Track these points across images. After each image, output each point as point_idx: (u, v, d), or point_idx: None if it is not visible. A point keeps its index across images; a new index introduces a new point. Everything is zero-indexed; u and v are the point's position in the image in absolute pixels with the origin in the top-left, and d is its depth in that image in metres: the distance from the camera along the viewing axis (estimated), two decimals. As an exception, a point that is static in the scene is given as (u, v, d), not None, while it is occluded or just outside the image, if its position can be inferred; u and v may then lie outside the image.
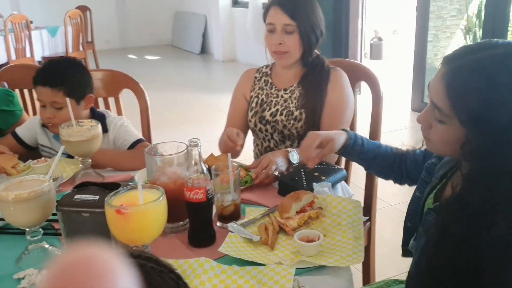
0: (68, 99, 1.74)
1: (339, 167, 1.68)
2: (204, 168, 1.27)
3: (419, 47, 5.22)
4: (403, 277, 1.48)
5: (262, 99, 1.97)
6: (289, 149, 1.71)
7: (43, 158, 1.84)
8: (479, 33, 8.18)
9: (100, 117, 1.91)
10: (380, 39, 9.06)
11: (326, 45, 6.19)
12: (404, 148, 1.52)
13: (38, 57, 6.69)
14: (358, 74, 2.04)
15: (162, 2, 10.28)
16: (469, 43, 8.26)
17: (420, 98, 5.39)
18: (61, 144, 1.88)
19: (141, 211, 1.09)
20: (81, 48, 7.24)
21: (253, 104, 1.98)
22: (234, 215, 1.38)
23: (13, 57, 6.23)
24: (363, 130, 1.92)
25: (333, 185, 1.58)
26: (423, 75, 5.28)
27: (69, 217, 1.21)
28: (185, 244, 1.30)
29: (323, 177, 1.57)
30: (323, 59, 1.92)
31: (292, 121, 1.88)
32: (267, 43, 1.89)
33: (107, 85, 2.24)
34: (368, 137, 2.09)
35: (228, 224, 1.32)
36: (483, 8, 8.14)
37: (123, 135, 1.91)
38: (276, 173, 1.60)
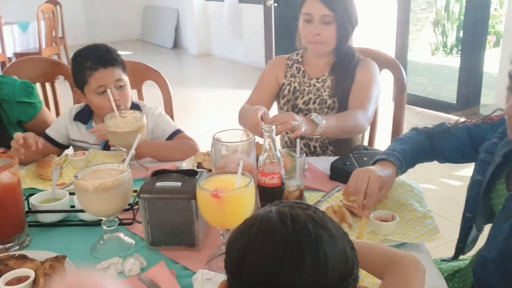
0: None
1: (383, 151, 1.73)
2: (278, 154, 1.29)
3: (400, 41, 5.32)
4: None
5: (295, 87, 1.99)
6: (311, 114, 1.69)
7: (80, 151, 1.82)
8: (447, 26, 8.45)
9: (135, 107, 1.89)
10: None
11: (287, 42, 6.28)
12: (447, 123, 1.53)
13: (9, 53, 6.49)
14: (381, 62, 2.09)
15: (129, -4, 10.12)
16: (438, 35, 8.53)
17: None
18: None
19: (236, 194, 1.10)
20: (53, 44, 7.06)
21: (285, 92, 2.01)
22: (298, 200, 1.41)
23: (-17, 52, 6.03)
24: (385, 117, 1.94)
25: (381, 168, 1.62)
26: (405, 69, 5.34)
27: (151, 204, 1.21)
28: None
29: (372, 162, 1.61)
30: (353, 48, 1.96)
31: (325, 110, 1.92)
32: (302, 33, 1.91)
33: (130, 77, 2.21)
34: (391, 125, 2.17)
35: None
36: (451, 1, 8.44)
37: (161, 124, 1.90)
38: (294, 123, 1.54)
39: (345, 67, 1.93)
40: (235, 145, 1.37)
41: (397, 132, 2.17)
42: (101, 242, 1.27)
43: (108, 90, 1.74)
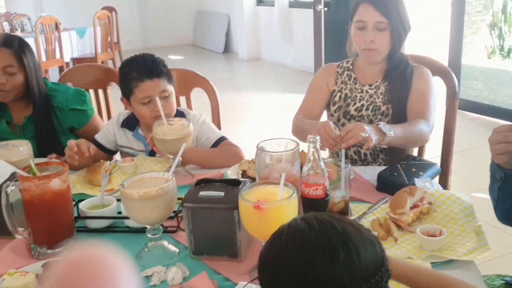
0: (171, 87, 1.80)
1: (432, 161, 1.68)
2: (322, 164, 1.28)
3: (454, 44, 5.17)
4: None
5: (346, 94, 1.97)
6: (379, 123, 1.65)
7: (129, 157, 1.86)
8: (504, 28, 8.14)
9: (180, 115, 1.92)
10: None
11: (337, 47, 6.21)
12: None
13: (67, 58, 6.74)
14: (432, 69, 2.03)
15: (183, 2, 10.30)
16: (494, 38, 8.23)
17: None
18: (144, 142, 1.91)
19: (278, 206, 1.10)
20: (109, 49, 7.28)
21: (336, 99, 1.98)
22: (343, 211, 1.39)
23: (43, 58, 6.28)
24: (435, 126, 1.89)
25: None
26: (458, 73, 5.18)
27: (195, 213, 1.22)
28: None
29: (420, 173, 1.57)
30: (406, 56, 1.92)
31: (379, 116, 1.89)
32: (355, 41, 1.88)
33: (179, 84, 2.25)
34: (442, 133, 2.10)
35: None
36: (508, 3, 8.13)
37: (206, 132, 1.92)
38: (364, 135, 1.53)
39: (400, 74, 1.89)
40: (279, 154, 1.37)
41: (448, 141, 2.10)
42: (146, 250, 1.29)
43: (157, 98, 1.77)
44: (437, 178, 1.80)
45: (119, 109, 2.46)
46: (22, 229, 1.33)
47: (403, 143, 1.79)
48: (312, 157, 1.27)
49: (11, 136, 1.96)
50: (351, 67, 2.01)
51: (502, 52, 8.13)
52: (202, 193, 1.23)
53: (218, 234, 1.23)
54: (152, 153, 1.91)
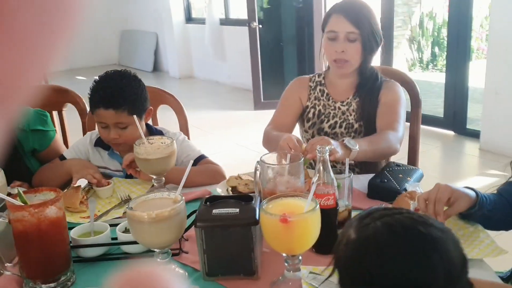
0: (135, 117, 1.68)
1: (414, 167, 1.73)
2: (332, 174, 1.27)
3: (384, 56, 5.40)
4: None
5: (320, 110, 1.97)
6: (344, 139, 1.66)
7: (105, 181, 1.75)
8: (422, 42, 8.64)
9: (159, 133, 1.85)
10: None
11: (290, 58, 6.31)
12: None
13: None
14: (396, 80, 2.09)
15: (106, 22, 10.04)
16: (414, 51, 8.72)
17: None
18: (120, 162, 1.82)
19: (305, 219, 1.08)
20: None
21: (310, 115, 1.98)
22: (347, 220, 1.39)
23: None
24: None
25: (416, 185, 1.62)
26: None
27: (209, 233, 1.16)
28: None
29: (408, 178, 1.61)
30: (376, 70, 1.96)
31: (352, 134, 1.90)
32: (326, 52, 1.89)
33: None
34: (408, 141, 2.17)
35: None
36: (424, 18, 8.66)
37: (186, 150, 1.86)
38: (330, 147, 1.44)
39: (369, 89, 1.91)
40: (283, 167, 1.35)
41: (413, 149, 2.17)
42: (153, 274, 1.21)
43: (137, 122, 1.68)
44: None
45: (76, 131, 2.34)
46: (10, 264, 1.21)
47: (371, 157, 1.76)
48: (321, 167, 1.26)
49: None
50: (323, 81, 2.01)
51: (422, 64, 8.62)
52: (215, 211, 1.18)
53: (233, 253, 1.18)
54: (128, 175, 1.82)
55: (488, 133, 4.31)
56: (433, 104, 5.64)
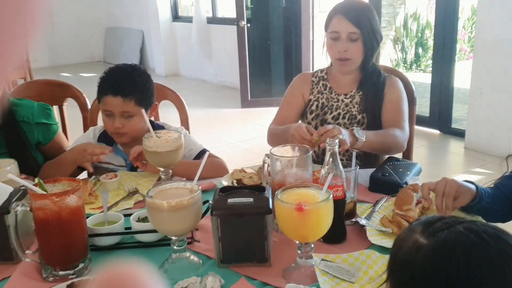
0: (143, 110, 1.72)
1: (413, 162, 1.80)
2: (340, 166, 1.32)
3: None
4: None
5: (323, 103, 2.04)
6: (353, 128, 1.75)
7: (112, 173, 1.79)
8: (406, 42, 8.78)
9: (160, 129, 1.89)
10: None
11: (277, 57, 6.35)
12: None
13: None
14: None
15: (91, 19, 9.99)
16: (398, 52, 8.85)
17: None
18: (124, 156, 1.86)
19: (319, 207, 1.13)
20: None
21: (313, 108, 2.05)
22: (352, 212, 1.45)
23: None
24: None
25: (415, 178, 1.68)
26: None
27: (224, 221, 1.21)
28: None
29: (408, 172, 1.67)
30: (378, 66, 2.03)
31: (355, 125, 1.97)
32: (329, 51, 1.96)
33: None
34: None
35: (361, 220, 1.39)
36: (408, 19, 8.80)
37: (188, 144, 1.90)
38: (341, 137, 1.59)
39: (373, 84, 1.99)
40: (292, 159, 1.40)
41: (408, 146, 2.24)
42: (169, 261, 1.25)
43: (144, 114, 1.73)
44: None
45: (77, 126, 2.36)
46: (30, 251, 1.24)
47: (376, 148, 1.86)
48: (330, 159, 1.32)
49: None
50: (325, 77, 2.08)
51: (406, 65, 8.76)
52: (230, 200, 1.23)
53: (247, 241, 1.23)
54: (133, 168, 1.86)
55: (473, 132, 4.43)
56: (418, 103, 5.75)
